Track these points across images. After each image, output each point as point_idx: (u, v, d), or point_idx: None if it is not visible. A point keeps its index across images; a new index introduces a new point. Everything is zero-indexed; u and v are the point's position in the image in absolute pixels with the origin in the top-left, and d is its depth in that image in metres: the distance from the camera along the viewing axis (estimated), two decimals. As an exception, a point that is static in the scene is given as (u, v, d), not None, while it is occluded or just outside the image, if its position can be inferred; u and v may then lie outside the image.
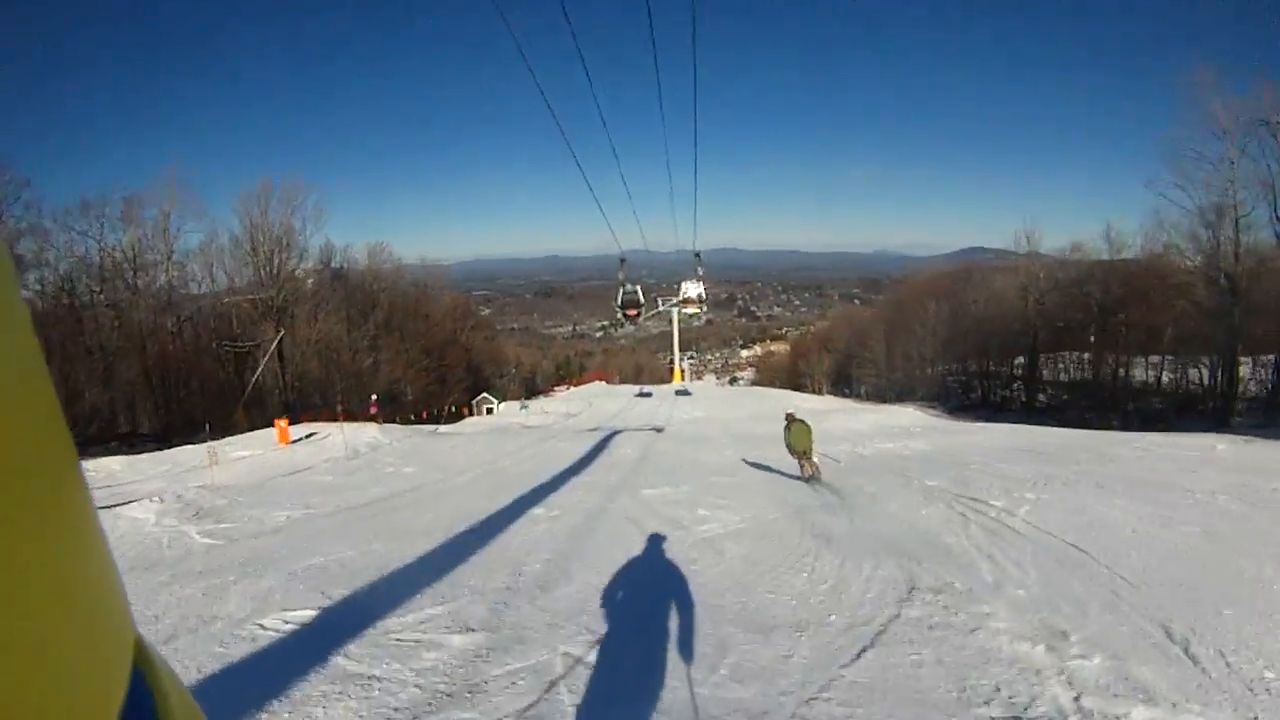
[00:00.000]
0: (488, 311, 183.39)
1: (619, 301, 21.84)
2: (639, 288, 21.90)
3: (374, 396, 26.53)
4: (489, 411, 43.97)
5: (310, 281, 38.20)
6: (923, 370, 48.30)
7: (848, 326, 70.02)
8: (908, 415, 28.58)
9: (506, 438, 21.29)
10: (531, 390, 66.90)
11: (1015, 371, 42.95)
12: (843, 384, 61.13)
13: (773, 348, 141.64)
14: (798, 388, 63.44)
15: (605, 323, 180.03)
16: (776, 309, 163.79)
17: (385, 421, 25.56)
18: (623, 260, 21.58)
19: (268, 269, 34.74)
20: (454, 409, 41.32)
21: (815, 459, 11.52)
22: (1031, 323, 40.19)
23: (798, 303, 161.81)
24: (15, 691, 0.25)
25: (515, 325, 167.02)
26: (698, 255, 23.47)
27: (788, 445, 11.58)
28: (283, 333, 31.87)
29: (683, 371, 54.74)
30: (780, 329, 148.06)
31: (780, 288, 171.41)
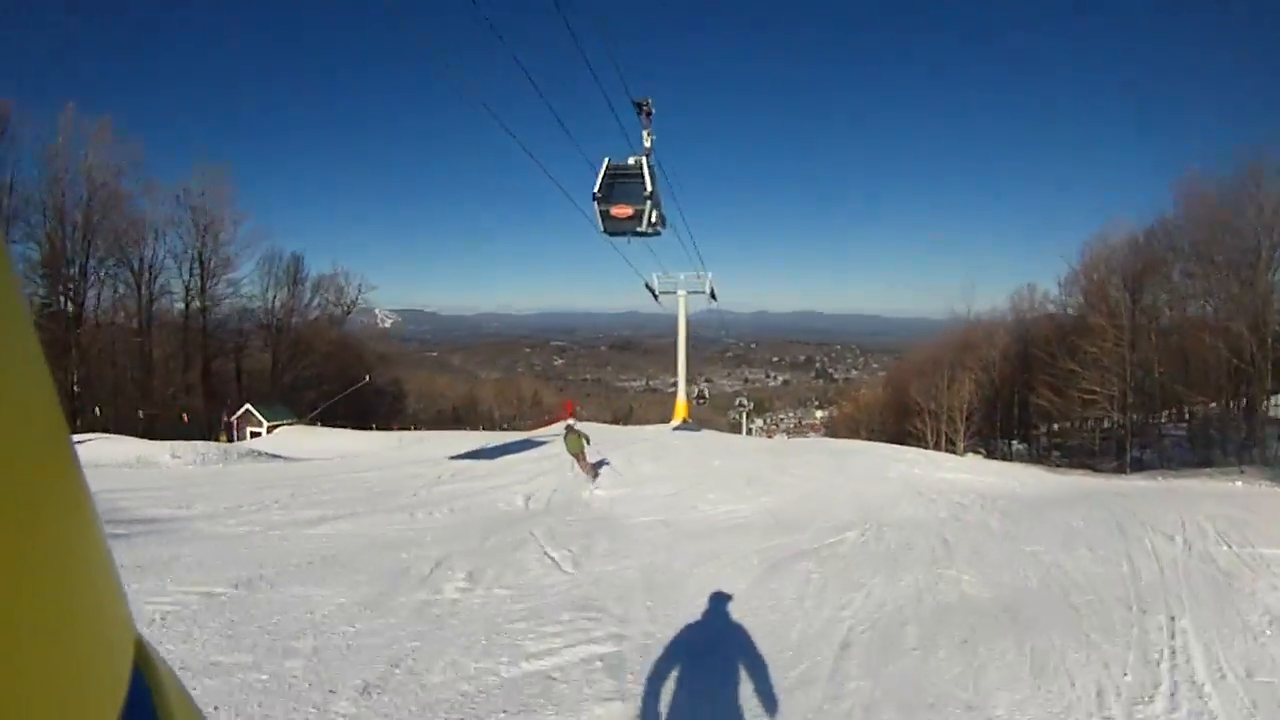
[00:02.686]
0: (560, 363, 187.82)
1: (596, 187, 13.59)
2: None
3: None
4: (251, 435, 31.98)
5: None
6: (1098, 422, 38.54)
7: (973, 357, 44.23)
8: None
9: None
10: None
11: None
12: (977, 437, 42.16)
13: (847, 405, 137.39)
14: (901, 439, 38.89)
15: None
16: (854, 371, 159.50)
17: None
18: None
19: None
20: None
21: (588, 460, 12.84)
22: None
23: (876, 365, 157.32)
24: (16, 691, 0.25)
25: (588, 377, 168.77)
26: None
27: (568, 450, 12.58)
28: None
29: (693, 401, 36.24)
30: (858, 389, 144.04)
31: (859, 350, 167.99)
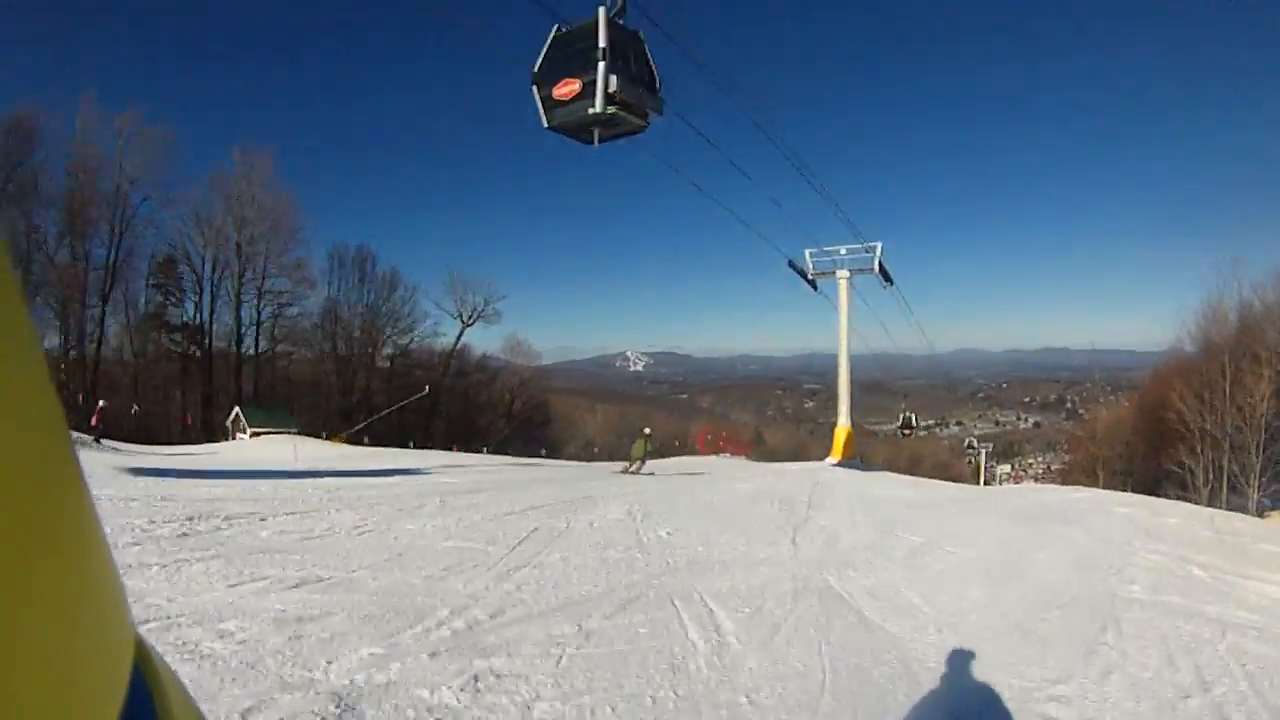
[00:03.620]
0: (810, 405, 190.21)
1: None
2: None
3: (101, 403, 21.77)
4: (235, 437, 33.55)
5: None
6: None
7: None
8: None
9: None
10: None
11: None
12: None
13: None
14: (1156, 481, 31.87)
15: (932, 421, 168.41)
16: (1105, 411, 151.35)
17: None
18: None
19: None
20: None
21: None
22: None
23: (1127, 404, 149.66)
24: (16, 691, 0.25)
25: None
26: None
27: (632, 454, 18.04)
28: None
29: (848, 433, 28.51)
30: (1097, 418, 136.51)
31: (1110, 389, 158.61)
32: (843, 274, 28.75)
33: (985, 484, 65.51)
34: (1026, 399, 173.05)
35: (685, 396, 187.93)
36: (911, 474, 29.14)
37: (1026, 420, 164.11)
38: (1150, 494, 21.53)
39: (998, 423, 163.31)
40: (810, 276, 28.99)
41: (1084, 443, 55.44)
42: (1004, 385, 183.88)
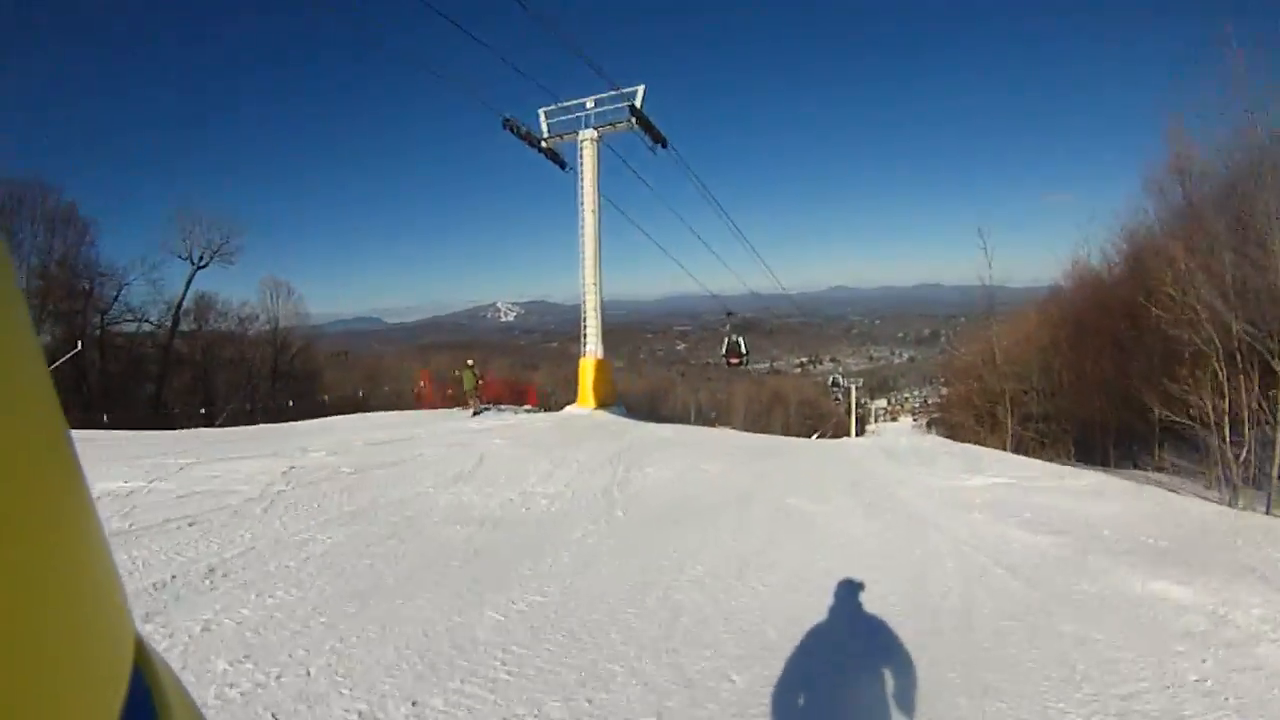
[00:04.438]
0: (682, 347, 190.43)
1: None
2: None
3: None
4: None
5: None
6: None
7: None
8: None
9: None
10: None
11: None
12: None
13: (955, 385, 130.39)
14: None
15: (804, 359, 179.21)
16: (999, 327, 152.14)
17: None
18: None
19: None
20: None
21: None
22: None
23: (1034, 314, 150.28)
24: (15, 691, 0.25)
25: (710, 360, 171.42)
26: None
27: (464, 387, 18.12)
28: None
29: (597, 366, 20.83)
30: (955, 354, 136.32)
31: (985, 323, 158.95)
32: (587, 134, 20.30)
33: (859, 425, 61.69)
34: (901, 334, 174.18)
35: (555, 345, 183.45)
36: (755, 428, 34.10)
37: (901, 355, 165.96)
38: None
39: (871, 358, 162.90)
40: (544, 143, 20.79)
41: (968, 371, 40.22)
42: (878, 321, 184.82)
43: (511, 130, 20.04)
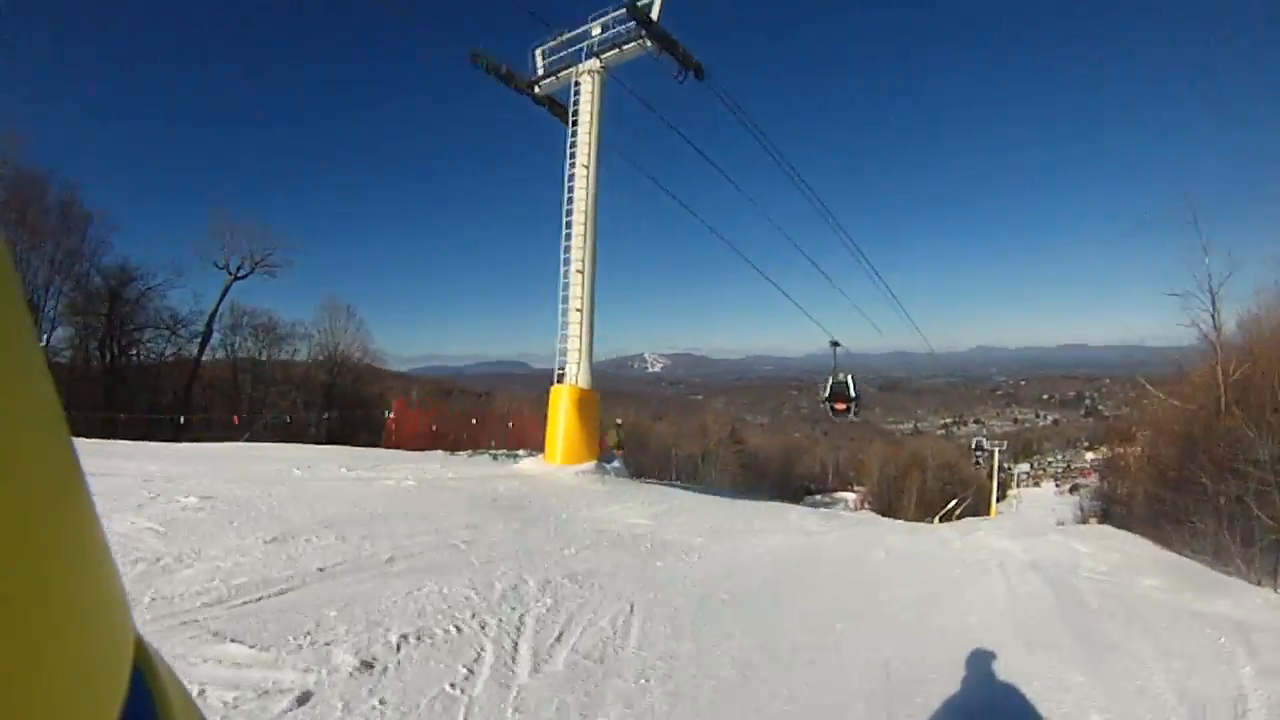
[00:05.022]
0: (700, 396, 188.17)
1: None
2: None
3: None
4: None
5: None
6: None
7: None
8: None
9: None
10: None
11: None
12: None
13: (1120, 449, 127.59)
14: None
15: (948, 419, 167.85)
16: (1125, 407, 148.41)
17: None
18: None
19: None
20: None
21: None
22: None
23: (1147, 402, 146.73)
24: (15, 691, 0.25)
25: (854, 420, 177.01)
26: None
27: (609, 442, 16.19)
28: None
29: (578, 399, 13.10)
30: (1129, 428, 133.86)
31: (1130, 385, 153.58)
32: (588, 66, 14.30)
33: (999, 490, 60.78)
34: (1045, 396, 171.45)
35: (700, 397, 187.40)
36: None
37: (1045, 418, 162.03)
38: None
39: (1016, 420, 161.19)
40: (535, 86, 15.32)
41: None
42: (1023, 383, 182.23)
43: (484, 68, 15.02)
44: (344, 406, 32.17)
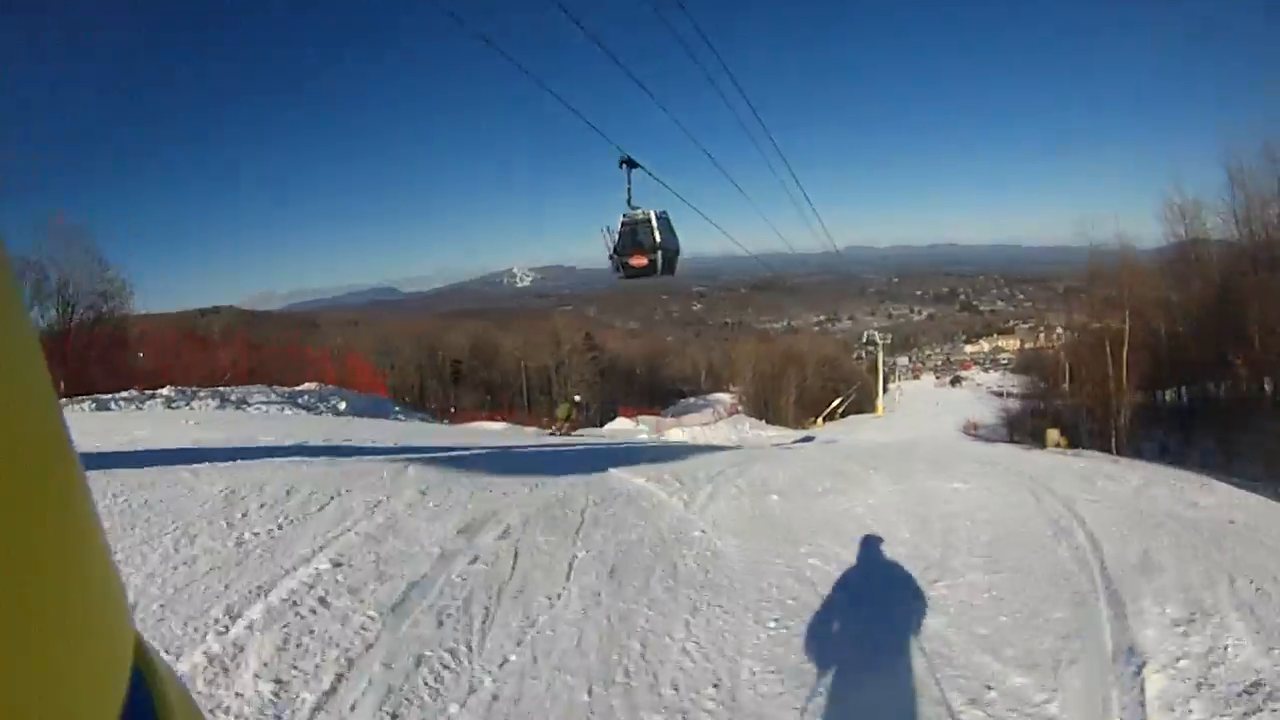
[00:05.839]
0: (698, 307, 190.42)
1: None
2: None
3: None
4: None
5: None
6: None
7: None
8: None
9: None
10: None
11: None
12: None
13: (1000, 342, 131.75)
14: None
15: (821, 316, 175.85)
16: (1000, 303, 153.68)
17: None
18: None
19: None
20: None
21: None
22: None
23: (1021, 296, 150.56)
24: (15, 692, 0.25)
25: (728, 320, 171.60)
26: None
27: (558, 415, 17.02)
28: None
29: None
30: (1006, 322, 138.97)
31: (1003, 281, 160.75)
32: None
33: (884, 384, 58.77)
34: (919, 292, 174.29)
35: (570, 308, 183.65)
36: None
37: (920, 313, 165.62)
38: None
39: (890, 315, 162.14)
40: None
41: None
42: (895, 280, 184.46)
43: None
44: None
